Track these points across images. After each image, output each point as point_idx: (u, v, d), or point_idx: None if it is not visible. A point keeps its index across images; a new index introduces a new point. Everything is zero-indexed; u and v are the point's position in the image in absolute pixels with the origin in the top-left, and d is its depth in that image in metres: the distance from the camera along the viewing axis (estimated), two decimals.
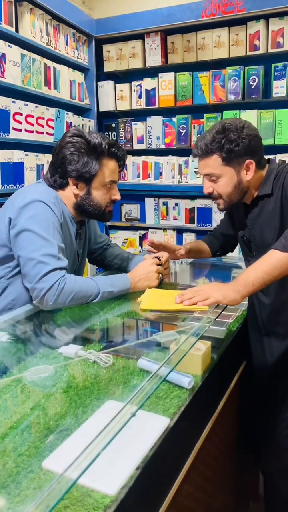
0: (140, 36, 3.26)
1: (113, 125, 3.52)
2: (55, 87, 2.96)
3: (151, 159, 3.37)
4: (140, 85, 3.34)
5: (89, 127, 3.38)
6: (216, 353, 1.18)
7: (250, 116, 2.93)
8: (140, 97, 3.35)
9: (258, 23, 2.89)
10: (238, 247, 1.76)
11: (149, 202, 3.48)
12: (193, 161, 3.18)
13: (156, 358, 1.06)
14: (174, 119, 3.25)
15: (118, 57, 3.37)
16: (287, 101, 2.88)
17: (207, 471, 1.19)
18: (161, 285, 1.58)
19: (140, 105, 3.36)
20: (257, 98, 2.96)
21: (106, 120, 3.59)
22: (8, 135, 2.54)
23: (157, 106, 3.29)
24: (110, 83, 3.43)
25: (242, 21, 2.93)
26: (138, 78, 3.34)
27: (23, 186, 2.63)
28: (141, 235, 3.55)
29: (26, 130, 2.66)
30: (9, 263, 1.46)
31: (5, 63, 2.45)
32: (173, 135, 3.26)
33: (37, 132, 2.76)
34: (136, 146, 3.42)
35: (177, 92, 3.19)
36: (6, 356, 1.19)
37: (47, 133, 2.85)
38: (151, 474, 0.79)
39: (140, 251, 3.46)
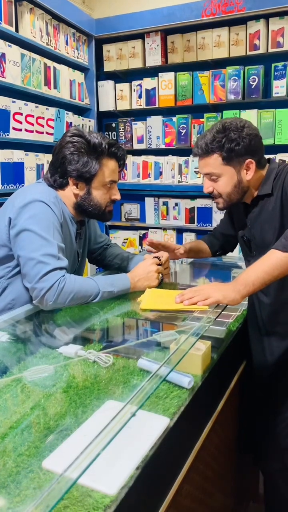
0: (140, 36, 3.26)
1: (113, 125, 3.52)
2: (55, 87, 2.96)
3: (151, 159, 3.37)
4: (140, 85, 3.34)
5: (89, 127, 3.38)
6: (216, 353, 1.18)
7: (250, 116, 2.93)
8: (140, 96, 3.35)
9: (258, 22, 2.89)
10: (238, 247, 1.76)
11: (149, 202, 3.48)
12: (193, 161, 3.18)
13: (156, 358, 1.06)
14: (174, 118, 3.24)
15: (118, 57, 3.37)
16: (287, 100, 2.88)
17: (207, 471, 1.19)
18: (161, 285, 1.58)
19: (140, 105, 3.36)
20: (257, 98, 2.96)
21: (106, 120, 3.59)
22: (8, 135, 2.54)
23: (157, 106, 3.29)
24: (110, 82, 3.43)
25: (242, 21, 2.93)
26: (138, 78, 3.34)
27: (23, 186, 2.62)
28: (141, 235, 3.55)
29: (26, 130, 2.66)
30: (9, 263, 1.46)
31: (5, 63, 2.45)
32: (173, 135, 3.26)
33: (37, 132, 2.76)
34: (136, 146, 3.42)
35: (177, 91, 3.19)
36: (6, 356, 1.19)
37: (47, 133, 2.85)
38: (151, 474, 0.79)
39: (140, 251, 3.46)
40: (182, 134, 3.23)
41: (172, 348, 1.05)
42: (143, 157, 3.39)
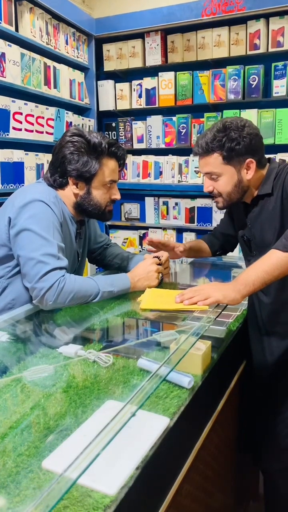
0: (140, 35, 3.26)
1: (113, 124, 3.52)
2: (55, 87, 2.95)
3: (151, 158, 3.37)
4: (140, 85, 3.33)
5: (89, 126, 3.38)
6: (216, 353, 1.18)
7: (250, 115, 2.93)
8: (140, 96, 3.35)
9: (258, 22, 2.88)
10: (238, 247, 1.76)
11: (149, 201, 3.47)
12: (193, 161, 3.18)
13: (156, 357, 1.06)
14: (174, 118, 3.24)
15: (118, 57, 3.37)
16: (287, 100, 2.87)
17: (207, 470, 1.19)
18: (161, 284, 1.58)
19: (140, 105, 3.36)
20: (257, 98, 2.96)
21: (106, 119, 3.58)
22: (8, 135, 2.54)
23: (157, 106, 3.29)
24: (110, 82, 3.42)
25: (242, 20, 2.92)
26: (138, 78, 3.34)
27: (23, 185, 2.62)
28: (141, 235, 3.55)
29: (26, 130, 2.66)
30: (9, 263, 1.46)
31: (5, 63, 2.45)
32: (173, 135, 3.26)
33: (37, 131, 2.75)
34: (136, 146, 3.42)
35: (177, 91, 3.19)
36: (6, 355, 1.19)
37: (47, 132, 2.85)
38: (151, 474, 0.79)
39: (140, 251, 3.46)
40: (182, 133, 3.23)
41: (172, 348, 1.05)
42: (143, 157, 3.39)
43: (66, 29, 3.07)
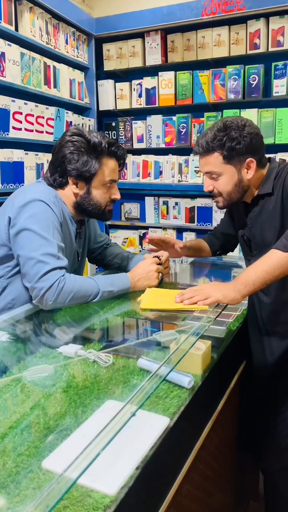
0: (140, 35, 3.26)
1: (113, 124, 3.51)
2: (55, 86, 2.95)
3: (151, 158, 3.37)
4: (140, 84, 3.33)
5: (89, 126, 3.37)
6: (216, 353, 1.18)
7: (250, 115, 2.93)
8: (140, 96, 3.35)
9: (258, 21, 2.88)
10: (238, 247, 1.76)
11: (149, 201, 3.47)
12: (193, 160, 3.17)
13: (156, 357, 1.06)
14: (174, 118, 3.24)
15: (118, 56, 3.37)
16: (287, 100, 2.87)
17: (207, 470, 1.19)
18: (161, 284, 1.58)
19: (140, 104, 3.35)
20: (257, 97, 2.95)
21: (106, 119, 3.58)
22: (7, 134, 2.54)
23: (157, 105, 3.29)
24: (110, 82, 3.42)
25: (242, 20, 2.92)
26: (138, 77, 3.34)
27: (22, 185, 2.62)
28: (141, 234, 3.55)
29: (25, 129, 2.66)
30: (9, 263, 1.46)
31: (4, 62, 2.45)
32: (173, 134, 3.26)
33: (37, 131, 2.75)
34: (136, 145, 3.42)
35: (177, 91, 3.19)
36: (6, 355, 1.19)
37: (47, 132, 2.85)
38: (151, 474, 0.79)
39: (140, 250, 3.46)
40: (182, 133, 3.22)
41: (172, 348, 1.05)
42: (143, 157, 3.39)
43: (66, 28, 3.07)
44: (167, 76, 3.20)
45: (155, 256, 1.63)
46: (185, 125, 3.21)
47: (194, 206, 3.30)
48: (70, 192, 1.51)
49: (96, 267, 2.84)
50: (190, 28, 3.09)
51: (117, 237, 3.60)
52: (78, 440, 0.76)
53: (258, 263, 1.22)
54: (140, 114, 3.42)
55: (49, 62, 2.87)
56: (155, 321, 1.39)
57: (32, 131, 2.71)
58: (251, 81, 2.96)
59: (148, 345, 1.18)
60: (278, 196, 1.39)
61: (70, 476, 0.61)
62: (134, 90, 3.36)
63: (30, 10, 2.68)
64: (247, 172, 1.40)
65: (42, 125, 2.80)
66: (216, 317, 1.22)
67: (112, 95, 3.44)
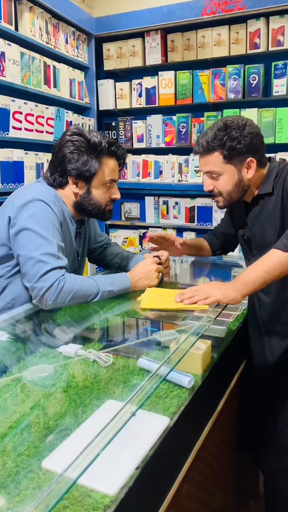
0: (140, 35, 3.25)
1: (113, 123, 3.51)
2: (54, 86, 2.95)
3: (151, 158, 3.37)
4: (140, 84, 3.33)
5: (89, 125, 3.37)
6: (216, 352, 1.18)
7: (250, 114, 2.92)
8: (140, 95, 3.34)
9: (258, 21, 2.88)
10: (238, 246, 1.76)
11: (149, 201, 3.47)
12: (193, 160, 3.17)
13: (156, 357, 1.06)
14: (174, 117, 3.24)
15: (118, 56, 3.36)
16: (287, 99, 2.87)
17: (207, 470, 1.19)
18: (161, 284, 1.58)
19: (140, 104, 3.35)
20: (257, 97, 2.95)
21: (106, 118, 3.58)
22: (7, 134, 2.53)
23: (157, 105, 3.29)
24: (110, 81, 3.42)
25: (242, 19, 2.92)
26: (138, 77, 3.34)
27: (22, 185, 2.62)
28: (141, 234, 3.55)
29: (25, 129, 2.65)
30: (9, 262, 1.46)
31: (4, 62, 2.45)
32: (173, 134, 3.26)
33: (36, 131, 2.75)
34: (136, 145, 3.42)
35: (177, 90, 3.19)
36: (6, 355, 1.19)
37: (46, 131, 2.84)
38: (151, 474, 0.79)
39: (140, 250, 3.46)
40: (182, 133, 3.22)
41: (172, 348, 1.05)
42: (143, 156, 3.39)
43: (66, 28, 3.06)
44: (167, 76, 3.20)
45: (155, 256, 1.63)
46: (185, 125, 3.20)
47: (194, 206, 3.30)
48: (70, 192, 1.51)
49: (96, 266, 2.84)
50: (190, 28, 3.09)
51: (117, 236, 3.60)
52: (78, 440, 0.76)
53: (258, 263, 1.22)
54: (140, 113, 3.42)
55: (49, 61, 2.87)
56: (155, 321, 1.39)
57: (32, 130, 2.70)
58: (251, 81, 2.96)
59: (148, 345, 1.18)
60: (278, 195, 1.39)
61: (70, 476, 0.61)
62: (134, 89, 3.36)
63: (30, 9, 2.68)
64: (248, 172, 1.40)
65: (42, 125, 2.80)
66: (216, 317, 1.22)
67: (112, 95, 3.44)
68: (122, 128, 3.46)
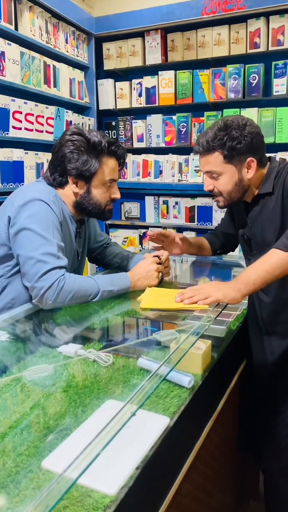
0: (140, 34, 3.25)
1: (113, 123, 3.51)
2: (54, 85, 2.95)
3: (151, 157, 3.37)
4: (140, 83, 3.33)
5: (89, 125, 3.37)
6: (216, 352, 1.17)
7: (250, 114, 2.92)
8: (140, 95, 3.34)
9: (258, 20, 2.88)
10: (239, 246, 1.76)
11: (149, 200, 3.47)
12: (193, 160, 3.17)
13: (156, 357, 1.05)
14: (174, 117, 3.24)
15: (118, 55, 3.36)
16: (287, 99, 2.87)
17: (207, 470, 1.19)
18: (161, 284, 1.58)
19: (140, 103, 3.35)
20: (257, 96, 2.95)
21: (106, 118, 3.58)
22: (7, 134, 2.53)
23: (157, 104, 3.28)
24: (110, 81, 3.42)
25: (242, 19, 2.92)
26: (138, 76, 3.33)
27: (22, 184, 2.62)
28: (141, 234, 3.55)
29: (25, 129, 2.65)
30: (9, 262, 1.46)
31: (4, 61, 2.44)
32: (173, 134, 3.26)
33: (36, 130, 2.75)
34: (136, 145, 3.42)
35: (177, 90, 3.19)
36: (6, 355, 1.19)
37: (46, 131, 2.84)
38: (151, 474, 0.79)
39: (140, 250, 3.46)
40: (182, 132, 3.22)
41: (172, 347, 1.05)
42: (143, 156, 3.39)
43: (66, 28, 3.06)
44: (167, 75, 3.20)
45: (155, 256, 1.63)
46: (185, 125, 3.20)
47: (194, 206, 3.30)
48: (70, 192, 1.51)
49: (96, 266, 2.84)
50: (190, 27, 3.09)
51: (117, 236, 3.60)
52: (78, 440, 0.76)
53: (259, 263, 1.22)
54: (140, 113, 3.42)
55: (49, 61, 2.87)
56: (155, 321, 1.39)
57: (32, 130, 2.70)
58: (251, 80, 2.95)
59: (148, 345, 1.17)
60: (278, 195, 1.39)
61: (70, 476, 0.61)
62: (134, 89, 3.36)
63: (30, 9, 2.68)
64: (248, 172, 1.40)
65: (42, 125, 2.80)
66: (216, 317, 1.22)
67: (112, 95, 3.44)
68: (122, 127, 3.46)
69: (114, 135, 3.49)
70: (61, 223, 1.44)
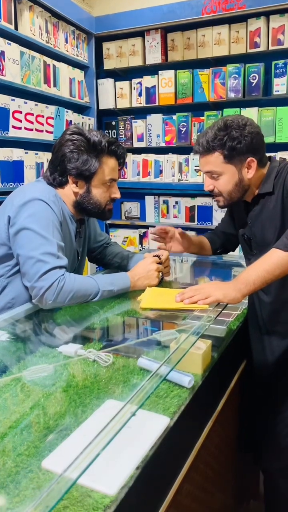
0: (140, 34, 3.25)
1: (113, 123, 3.51)
2: (54, 85, 2.95)
3: (151, 157, 3.36)
4: (140, 83, 3.33)
5: (89, 125, 3.37)
6: (216, 352, 1.17)
7: (250, 113, 2.92)
8: (140, 94, 3.34)
9: (258, 20, 2.87)
10: (239, 246, 1.75)
11: (149, 200, 3.47)
12: (193, 159, 3.17)
13: (156, 357, 1.05)
14: (174, 117, 3.24)
15: (118, 55, 3.36)
16: (287, 98, 2.87)
17: (207, 470, 1.19)
18: (161, 283, 1.58)
19: (140, 103, 3.35)
20: (257, 96, 2.95)
21: (106, 118, 3.58)
22: (7, 133, 2.53)
23: (157, 104, 3.28)
24: (110, 80, 3.42)
25: (242, 18, 2.92)
26: (138, 76, 3.33)
27: (22, 184, 2.62)
28: (141, 234, 3.55)
29: (25, 128, 2.65)
30: (9, 262, 1.46)
31: (4, 61, 2.44)
32: (173, 133, 3.25)
33: (36, 130, 2.75)
34: (136, 144, 3.41)
35: (177, 89, 3.18)
36: (6, 355, 1.19)
37: (46, 131, 2.84)
38: (151, 474, 0.79)
39: (140, 250, 3.46)
40: (182, 132, 3.22)
41: (172, 347, 1.05)
42: (143, 156, 3.39)
43: (66, 27, 3.06)
44: (167, 75, 3.20)
45: (155, 255, 1.63)
46: (185, 124, 3.20)
47: (194, 205, 3.30)
48: (70, 191, 1.50)
49: (96, 266, 2.84)
50: (190, 27, 3.08)
51: (117, 236, 3.60)
52: (78, 440, 0.76)
53: (259, 262, 1.22)
54: (140, 113, 3.42)
55: (49, 61, 2.86)
56: (155, 321, 1.39)
57: (32, 130, 2.70)
58: (251, 80, 2.95)
59: (148, 345, 1.17)
60: (278, 195, 1.39)
61: (70, 476, 0.61)
62: (134, 89, 3.36)
63: (29, 8, 2.68)
64: (248, 172, 1.39)
65: (42, 124, 2.80)
66: (217, 317, 1.22)
67: (112, 94, 3.43)
68: (122, 127, 3.46)
69: (114, 135, 3.49)
70: (61, 222, 1.44)
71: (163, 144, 3.31)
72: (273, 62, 2.85)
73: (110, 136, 1.74)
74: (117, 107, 3.44)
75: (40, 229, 1.36)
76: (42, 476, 0.70)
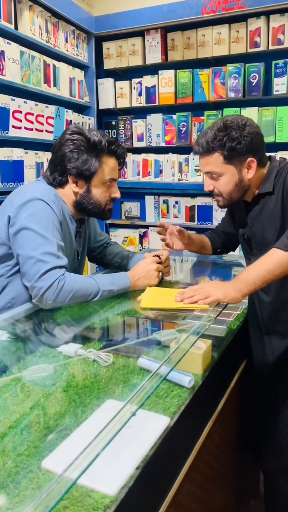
0: (140, 33, 3.25)
1: (113, 122, 3.51)
2: (54, 85, 2.95)
3: (151, 157, 3.36)
4: (140, 83, 3.32)
5: (89, 124, 3.37)
6: (216, 352, 1.17)
7: (250, 113, 2.92)
8: (140, 94, 3.34)
9: (258, 20, 2.87)
10: (239, 245, 1.75)
11: (149, 200, 3.47)
12: (193, 159, 3.17)
13: (156, 357, 1.05)
14: (174, 116, 3.24)
15: (118, 55, 3.36)
16: (287, 98, 2.87)
17: (207, 470, 1.19)
18: (161, 283, 1.58)
19: (140, 103, 3.35)
20: (257, 96, 2.95)
21: (106, 117, 3.57)
22: (7, 133, 2.53)
23: (157, 104, 3.28)
24: (110, 80, 3.42)
25: (242, 18, 2.91)
26: (138, 76, 3.33)
27: (22, 184, 2.62)
28: (141, 233, 3.55)
29: (25, 128, 2.65)
30: (9, 262, 1.46)
31: (4, 61, 2.44)
32: (173, 133, 3.25)
33: (36, 130, 2.75)
34: (136, 144, 3.41)
35: (177, 89, 3.18)
36: (6, 355, 1.19)
37: (46, 131, 2.84)
38: (151, 474, 0.79)
39: (140, 249, 3.46)
40: (182, 132, 3.22)
41: (172, 347, 1.05)
42: (143, 155, 3.39)
43: (66, 27, 3.06)
44: (167, 75, 3.20)
45: (155, 255, 1.63)
46: (185, 124, 3.20)
47: (194, 205, 3.30)
48: (70, 191, 1.50)
49: (96, 266, 2.84)
50: (190, 27, 3.08)
51: (117, 236, 3.59)
52: (78, 440, 0.76)
53: (259, 262, 1.22)
54: (140, 112, 3.42)
55: (49, 60, 2.86)
56: (155, 320, 1.39)
57: (31, 129, 2.70)
58: (251, 80, 2.95)
59: (148, 344, 1.17)
60: (278, 195, 1.39)
61: (70, 476, 0.61)
62: (134, 88, 3.36)
63: (29, 8, 2.67)
64: (248, 172, 1.39)
65: (42, 124, 2.80)
66: (217, 316, 1.22)
67: (112, 94, 3.43)
68: (122, 127, 3.46)
69: (114, 135, 3.49)
70: (61, 222, 1.44)
71: (163, 144, 3.31)
72: (273, 62, 2.85)
73: (110, 136, 1.73)
74: (117, 106, 3.44)
75: (40, 229, 1.36)
76: (42, 476, 0.70)
